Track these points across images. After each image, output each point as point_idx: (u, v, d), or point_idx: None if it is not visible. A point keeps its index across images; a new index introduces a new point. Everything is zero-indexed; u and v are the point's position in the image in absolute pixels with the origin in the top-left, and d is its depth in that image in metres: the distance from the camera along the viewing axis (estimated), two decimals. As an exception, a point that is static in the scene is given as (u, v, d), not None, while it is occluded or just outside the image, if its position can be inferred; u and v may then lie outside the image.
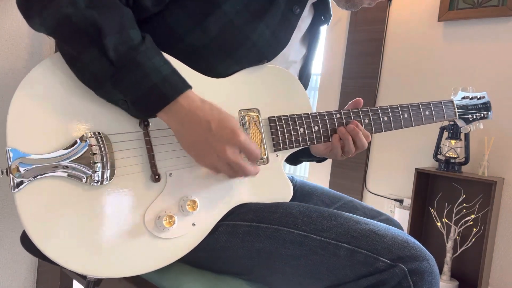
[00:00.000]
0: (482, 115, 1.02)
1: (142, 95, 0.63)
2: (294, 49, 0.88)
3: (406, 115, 0.89)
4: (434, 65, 2.13)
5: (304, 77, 0.94)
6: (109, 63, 0.61)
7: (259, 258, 0.72)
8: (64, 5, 0.60)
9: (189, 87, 0.65)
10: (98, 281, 0.74)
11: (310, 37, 0.93)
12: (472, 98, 1.01)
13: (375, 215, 0.95)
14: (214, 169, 0.68)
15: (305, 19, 0.88)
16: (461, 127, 1.03)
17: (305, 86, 0.94)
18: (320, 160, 0.98)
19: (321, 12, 0.91)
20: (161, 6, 0.72)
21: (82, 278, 0.75)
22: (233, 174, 0.68)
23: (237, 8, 0.72)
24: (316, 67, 2.58)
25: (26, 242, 0.73)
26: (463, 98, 1.00)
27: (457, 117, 0.99)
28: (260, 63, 0.79)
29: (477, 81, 2.00)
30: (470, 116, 1.01)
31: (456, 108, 0.98)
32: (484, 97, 1.03)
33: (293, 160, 1.00)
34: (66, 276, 1.26)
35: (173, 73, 0.64)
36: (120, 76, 0.62)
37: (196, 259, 0.76)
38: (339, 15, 2.44)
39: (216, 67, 0.75)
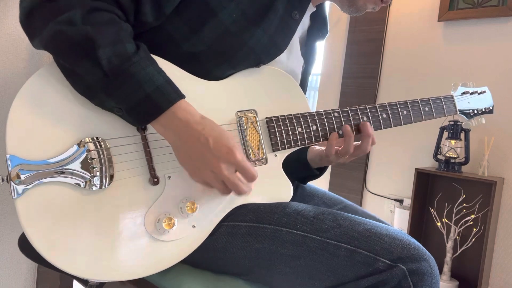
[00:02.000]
0: (483, 109, 1.01)
1: (136, 105, 0.63)
2: (292, 59, 0.88)
3: (405, 112, 0.88)
4: (434, 65, 2.13)
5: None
6: (102, 74, 0.61)
7: (259, 258, 0.72)
8: (61, 22, 0.61)
9: (182, 96, 0.65)
10: (100, 285, 0.74)
11: (307, 51, 0.94)
12: (472, 93, 1.00)
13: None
14: (207, 185, 0.68)
15: (303, 26, 0.88)
16: (462, 122, 1.02)
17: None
18: (313, 175, 0.96)
19: (318, 26, 0.92)
20: (162, 20, 0.72)
21: (83, 282, 0.75)
22: (226, 192, 0.67)
23: (234, 17, 0.72)
24: (316, 67, 2.58)
25: (25, 247, 0.73)
26: (463, 93, 0.99)
27: (458, 112, 0.97)
28: (257, 66, 0.79)
29: (477, 81, 1.99)
30: (471, 111, 1.00)
31: (456, 103, 0.97)
32: (485, 92, 1.02)
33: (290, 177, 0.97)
34: (66, 276, 1.26)
35: (167, 83, 0.64)
36: (114, 87, 0.62)
37: (196, 260, 0.76)
38: (339, 15, 2.44)
39: (213, 71, 0.75)
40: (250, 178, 0.66)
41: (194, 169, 0.66)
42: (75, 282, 1.29)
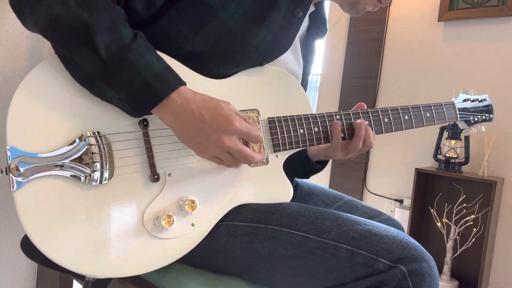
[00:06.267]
0: (483, 117, 1.02)
1: (135, 93, 0.62)
2: (293, 59, 0.88)
3: (406, 117, 0.89)
4: (434, 65, 2.13)
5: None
6: (101, 62, 0.61)
7: (258, 258, 0.72)
8: (54, 4, 0.60)
9: (183, 83, 0.65)
10: (97, 281, 0.74)
11: (307, 51, 0.94)
12: (473, 101, 1.01)
13: (376, 215, 0.95)
14: (216, 160, 0.67)
15: (302, 25, 0.88)
16: (463, 129, 1.03)
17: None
18: (316, 169, 0.96)
19: (317, 25, 0.92)
20: (153, 10, 0.71)
21: (80, 278, 0.75)
22: (236, 162, 0.67)
23: (236, 17, 0.72)
24: (316, 67, 2.58)
25: (27, 249, 0.73)
26: (464, 100, 1.01)
27: (459, 119, 0.98)
28: (260, 65, 0.79)
29: (477, 81, 2.00)
30: (471, 118, 1.01)
31: (457, 110, 0.98)
32: (485, 100, 1.03)
33: (291, 173, 0.95)
34: (66, 276, 1.26)
35: (166, 70, 0.64)
36: (113, 75, 0.61)
37: (196, 259, 0.76)
38: (339, 15, 2.44)
39: (215, 69, 0.75)
40: (255, 140, 0.66)
41: (198, 147, 0.66)
42: (75, 282, 1.29)
